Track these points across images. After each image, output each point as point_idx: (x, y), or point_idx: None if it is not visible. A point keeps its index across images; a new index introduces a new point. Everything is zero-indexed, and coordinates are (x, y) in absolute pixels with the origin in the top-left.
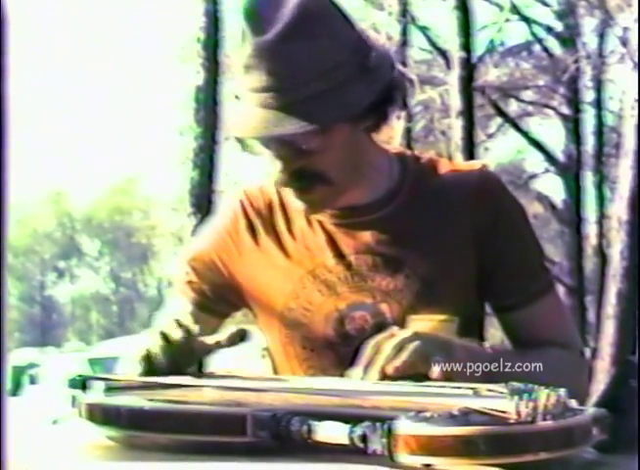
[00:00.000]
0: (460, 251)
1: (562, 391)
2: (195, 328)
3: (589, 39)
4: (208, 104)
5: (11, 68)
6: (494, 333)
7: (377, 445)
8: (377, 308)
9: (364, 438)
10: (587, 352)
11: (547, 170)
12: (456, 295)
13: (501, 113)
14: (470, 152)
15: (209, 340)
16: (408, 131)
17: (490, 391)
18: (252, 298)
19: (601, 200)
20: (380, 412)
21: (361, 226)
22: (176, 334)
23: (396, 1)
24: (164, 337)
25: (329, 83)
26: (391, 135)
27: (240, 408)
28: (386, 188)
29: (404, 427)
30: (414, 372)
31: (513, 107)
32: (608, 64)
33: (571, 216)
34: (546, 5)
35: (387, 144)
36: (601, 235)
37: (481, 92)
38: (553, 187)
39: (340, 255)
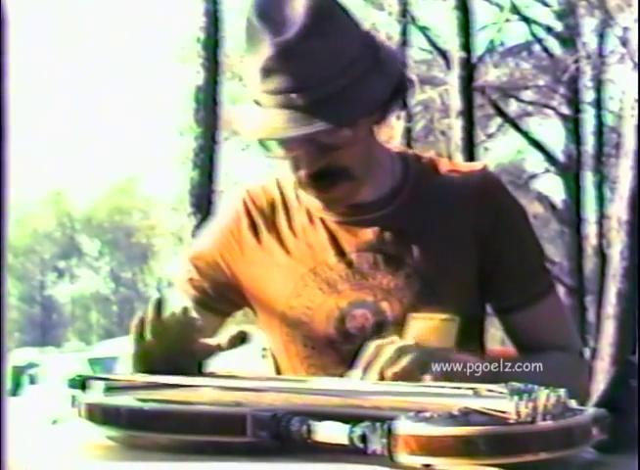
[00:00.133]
0: (461, 250)
1: (561, 391)
2: (195, 315)
3: (589, 39)
4: (208, 104)
5: (11, 68)
6: (494, 333)
7: (377, 445)
8: (378, 307)
9: (364, 438)
10: (587, 353)
11: (547, 170)
12: (457, 294)
13: (501, 113)
14: (470, 152)
15: (210, 342)
16: (408, 131)
17: (490, 391)
18: (254, 296)
19: (601, 200)
20: (380, 412)
21: (363, 224)
22: (173, 308)
23: (396, 1)
24: (158, 305)
25: (349, 79)
26: (391, 135)
27: (240, 408)
28: (389, 186)
29: (404, 427)
30: (410, 380)
31: (513, 107)
32: (608, 64)
33: (571, 216)
34: (546, 5)
35: (387, 144)
36: (601, 235)
37: (481, 92)
38: (553, 187)
39: (341, 252)
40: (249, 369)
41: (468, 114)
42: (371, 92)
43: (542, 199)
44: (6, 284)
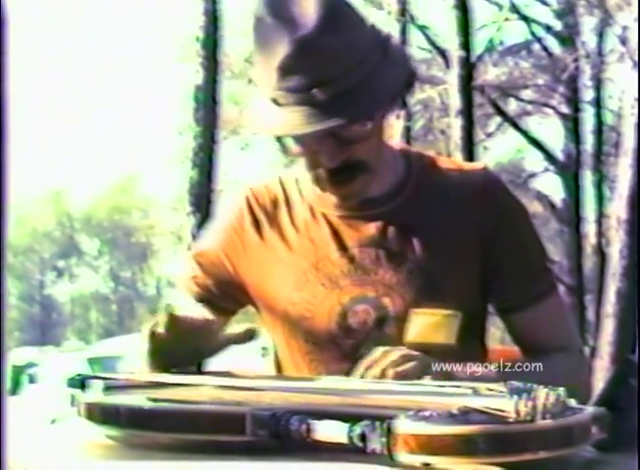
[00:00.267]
0: (463, 247)
1: (561, 390)
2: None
3: (588, 38)
4: (208, 103)
5: (11, 68)
6: (494, 332)
7: (376, 444)
8: (380, 302)
9: (363, 437)
10: (586, 352)
11: (546, 169)
12: (459, 290)
13: (500, 112)
14: (469, 151)
15: (221, 335)
16: (407, 130)
17: (490, 390)
18: (257, 293)
19: (600, 199)
20: (379, 411)
21: (367, 219)
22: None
23: (395, 0)
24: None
25: (364, 72)
26: (391, 134)
27: (239, 407)
28: (392, 182)
29: (404, 426)
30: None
31: (512, 106)
32: (607, 63)
33: (571, 215)
34: (545, 4)
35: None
36: (600, 234)
37: (481, 91)
38: (552, 186)
39: (343, 247)
40: (248, 368)
41: (467, 113)
42: (385, 84)
43: (541, 198)
44: (5, 283)
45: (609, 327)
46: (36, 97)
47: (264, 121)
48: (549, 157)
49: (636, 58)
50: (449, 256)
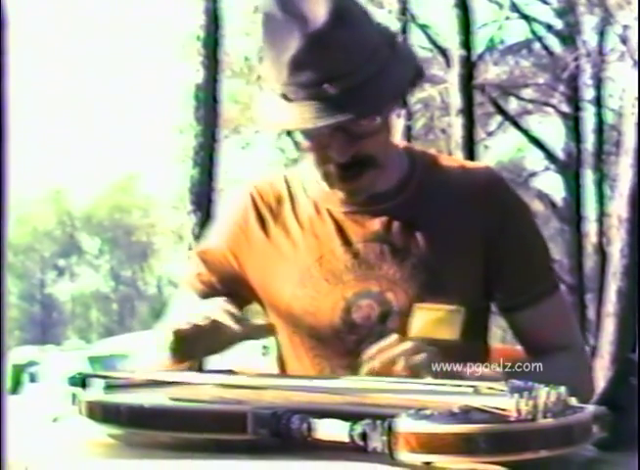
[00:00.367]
0: (466, 245)
1: (562, 388)
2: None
3: (589, 37)
4: (208, 102)
5: (11, 67)
6: (495, 332)
7: (377, 442)
8: (383, 297)
9: (364, 435)
10: (587, 350)
11: (547, 168)
12: (462, 286)
13: (501, 111)
14: (470, 150)
15: (238, 329)
16: (408, 129)
17: (491, 388)
18: (261, 289)
19: (601, 198)
20: (380, 410)
21: (371, 215)
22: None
23: None
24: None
25: (373, 67)
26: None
27: (240, 406)
28: (397, 178)
29: (404, 425)
30: (417, 377)
31: (513, 105)
32: (608, 61)
33: (571, 214)
34: (546, 3)
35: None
36: (601, 233)
37: (481, 90)
38: (553, 185)
39: (347, 242)
40: (249, 367)
41: (468, 112)
42: (394, 79)
43: (542, 197)
44: (6, 282)
45: (609, 326)
46: (36, 97)
47: (274, 117)
48: (550, 156)
49: (637, 57)
50: (453, 252)
